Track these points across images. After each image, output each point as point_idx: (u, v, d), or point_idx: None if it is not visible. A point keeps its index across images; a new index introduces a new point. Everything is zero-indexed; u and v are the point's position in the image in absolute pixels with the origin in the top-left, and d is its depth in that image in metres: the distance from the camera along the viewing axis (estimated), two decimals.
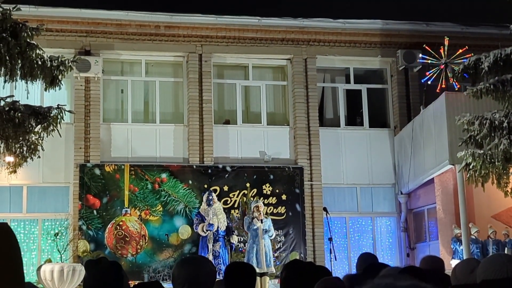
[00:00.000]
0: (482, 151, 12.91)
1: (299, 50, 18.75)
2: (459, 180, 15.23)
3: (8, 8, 11.87)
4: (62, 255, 16.04)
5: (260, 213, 14.91)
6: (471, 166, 12.98)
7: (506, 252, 14.94)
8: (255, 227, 14.75)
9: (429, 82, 17.72)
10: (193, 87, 18.04)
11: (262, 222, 14.77)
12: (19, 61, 11.96)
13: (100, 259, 4.69)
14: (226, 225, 15.47)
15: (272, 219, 15.46)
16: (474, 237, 15.49)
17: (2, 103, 12.41)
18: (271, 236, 14.95)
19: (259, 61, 18.88)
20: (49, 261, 15.69)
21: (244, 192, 17.49)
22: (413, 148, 17.43)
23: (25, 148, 12.76)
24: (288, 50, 18.73)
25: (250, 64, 18.78)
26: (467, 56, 14.03)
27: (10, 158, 13.04)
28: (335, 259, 15.05)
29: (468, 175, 13.19)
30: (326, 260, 16.85)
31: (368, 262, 5.71)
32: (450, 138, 15.34)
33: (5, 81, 12.23)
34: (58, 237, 16.32)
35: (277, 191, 17.67)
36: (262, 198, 16.83)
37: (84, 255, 16.27)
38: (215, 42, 18.39)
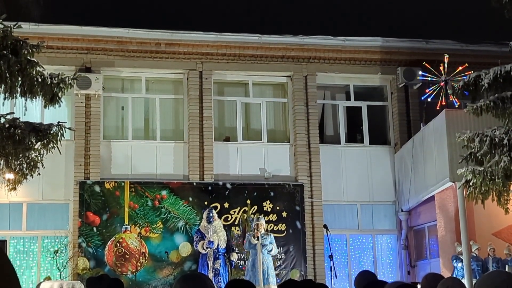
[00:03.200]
0: (482, 168, 12.88)
1: (299, 67, 18.78)
2: (459, 197, 15.20)
3: (9, 25, 11.89)
4: (62, 273, 16.01)
5: (258, 231, 14.87)
6: (471, 183, 12.94)
7: (507, 269, 14.89)
8: (253, 245, 14.73)
9: (429, 99, 17.75)
10: (193, 104, 18.06)
11: (258, 240, 14.73)
12: (19, 78, 11.95)
13: (101, 276, 4.69)
14: (226, 242, 15.43)
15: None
16: (474, 254, 15.44)
17: (2, 120, 12.42)
18: (271, 251, 14.86)
19: (260, 78, 18.91)
20: (48, 278, 15.64)
21: (244, 209, 17.46)
22: (413, 165, 17.41)
23: (25, 165, 12.74)
24: (288, 67, 18.76)
25: (250, 81, 18.81)
26: (467, 73, 14.04)
27: (10, 175, 13.03)
28: (336, 277, 14.99)
29: (468, 192, 13.16)
30: (326, 278, 16.79)
31: (367, 279, 5.68)
32: (451, 155, 15.32)
33: (5, 98, 12.23)
34: (57, 254, 16.28)
35: (277, 208, 17.64)
36: (262, 215, 16.79)
37: (84, 272, 16.22)
38: (215, 59, 18.43)
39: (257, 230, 14.87)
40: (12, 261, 16.45)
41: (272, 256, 15.11)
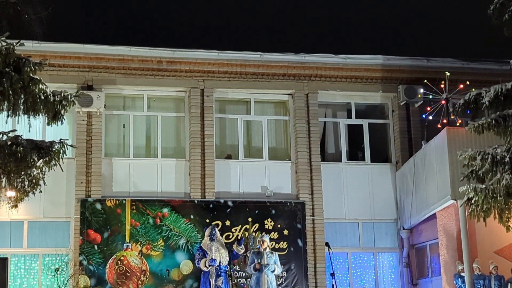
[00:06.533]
0: (484, 186, 12.88)
1: (300, 85, 18.83)
2: (461, 215, 15.18)
3: (11, 43, 11.94)
4: None
5: (262, 247, 14.85)
6: (473, 201, 12.94)
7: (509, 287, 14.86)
8: (255, 263, 14.67)
9: (430, 117, 17.76)
10: (195, 122, 18.08)
11: (260, 254, 14.69)
12: (22, 96, 11.98)
13: None
14: (228, 259, 15.44)
15: None
16: (478, 273, 15.38)
17: (5, 137, 12.42)
18: (273, 271, 14.84)
19: (261, 96, 18.94)
20: None
21: (246, 227, 17.44)
22: (414, 183, 17.40)
23: (26, 183, 12.73)
24: (289, 85, 18.80)
25: (251, 99, 18.85)
26: (468, 91, 14.06)
27: (11, 193, 13.01)
28: None
29: (470, 210, 13.15)
30: None
31: None
32: (452, 173, 15.33)
33: (8, 116, 12.25)
34: (58, 272, 16.25)
35: (279, 226, 17.62)
36: (263, 233, 16.78)
37: None
38: (217, 77, 18.48)
39: (263, 247, 14.85)
40: (13, 279, 16.42)
41: (274, 274, 15.06)
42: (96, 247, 16.72)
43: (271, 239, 17.18)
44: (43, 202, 16.75)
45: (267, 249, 14.93)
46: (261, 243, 14.97)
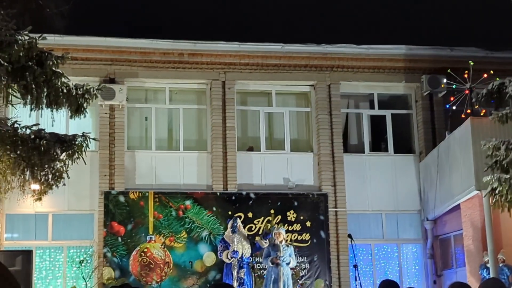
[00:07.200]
0: (508, 176, 12.76)
1: (322, 76, 18.75)
2: (485, 206, 15.06)
3: (34, 37, 11.98)
4: (87, 283, 16.08)
5: (278, 239, 14.85)
6: (497, 191, 12.83)
7: None
8: (272, 257, 14.68)
9: (454, 107, 17.62)
10: (216, 114, 18.09)
11: (275, 247, 14.69)
12: (45, 90, 12.02)
13: (123, 286, 4.70)
14: (251, 251, 15.45)
15: (296, 246, 15.37)
16: (501, 264, 15.26)
17: (28, 131, 12.50)
18: (289, 264, 14.82)
19: (283, 88, 18.89)
20: None
21: (268, 219, 17.43)
22: (438, 174, 17.29)
23: (50, 176, 12.80)
24: (311, 76, 18.74)
25: (273, 90, 18.80)
26: (492, 80, 13.92)
27: (35, 186, 13.10)
28: (361, 287, 14.90)
29: (494, 200, 13.04)
30: None
31: None
32: (476, 164, 15.20)
33: (31, 109, 12.31)
34: (83, 264, 16.35)
35: (301, 218, 17.59)
36: (286, 225, 16.75)
37: (109, 282, 16.28)
38: (238, 69, 18.45)
39: (279, 240, 14.84)
40: (38, 271, 16.54)
41: (291, 267, 15.05)
42: (119, 239, 16.81)
43: (293, 231, 17.17)
44: (67, 195, 16.85)
45: (283, 242, 14.91)
46: (277, 235, 14.94)
